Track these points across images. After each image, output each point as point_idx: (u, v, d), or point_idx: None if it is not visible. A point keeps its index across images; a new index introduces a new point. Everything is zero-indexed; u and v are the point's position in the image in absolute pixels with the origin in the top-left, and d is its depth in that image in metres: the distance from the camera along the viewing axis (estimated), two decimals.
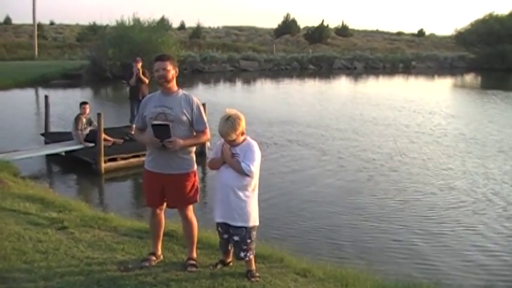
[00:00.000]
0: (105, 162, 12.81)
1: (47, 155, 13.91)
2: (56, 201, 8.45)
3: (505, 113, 25.46)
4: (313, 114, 23.04)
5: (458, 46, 67.97)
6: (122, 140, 14.49)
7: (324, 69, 53.11)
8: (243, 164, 5.11)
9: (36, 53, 47.71)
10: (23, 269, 5.29)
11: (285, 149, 15.84)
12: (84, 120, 13.88)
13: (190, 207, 5.65)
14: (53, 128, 15.95)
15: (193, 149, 5.62)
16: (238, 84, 40.20)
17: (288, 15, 75.86)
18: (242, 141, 5.25)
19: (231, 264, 5.70)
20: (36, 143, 15.34)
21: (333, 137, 17.92)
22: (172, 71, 5.48)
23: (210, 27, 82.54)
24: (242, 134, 5.21)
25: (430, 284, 6.20)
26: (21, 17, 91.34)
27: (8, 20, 77.02)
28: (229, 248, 5.55)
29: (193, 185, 5.55)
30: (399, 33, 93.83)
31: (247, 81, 41.49)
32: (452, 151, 16.00)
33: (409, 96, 30.44)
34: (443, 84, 44.34)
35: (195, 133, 5.50)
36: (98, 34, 47.07)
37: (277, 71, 49.90)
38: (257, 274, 5.47)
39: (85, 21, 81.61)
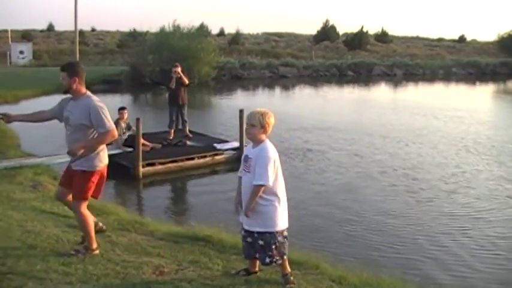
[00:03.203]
0: (143, 167, 12.91)
1: None
2: (94, 205, 8.49)
3: None
4: (353, 122, 22.83)
5: (501, 52, 66.84)
6: (160, 145, 14.61)
7: (363, 75, 52.76)
8: (253, 184, 5.11)
9: (78, 59, 48.40)
10: (60, 271, 5.35)
11: (322, 156, 15.72)
12: (122, 125, 14.02)
13: (81, 202, 5.81)
14: None
15: (97, 149, 5.83)
16: (277, 90, 40.19)
17: (327, 21, 75.64)
18: (260, 142, 5.24)
19: (257, 273, 5.63)
20: None
21: (372, 144, 17.69)
22: (68, 80, 5.77)
23: (249, 34, 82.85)
24: (263, 129, 5.20)
25: None
26: (64, 24, 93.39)
27: (51, 27, 78.64)
28: (256, 255, 5.45)
29: (86, 183, 5.76)
30: (440, 39, 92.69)
31: (285, 87, 41.46)
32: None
33: (450, 104, 29.88)
34: (485, 91, 43.63)
35: (97, 135, 5.70)
36: (137, 40, 47.58)
37: (316, 77, 49.75)
38: (292, 279, 5.43)
39: (125, 27, 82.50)
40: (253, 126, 5.20)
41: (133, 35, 56.38)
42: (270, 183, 5.08)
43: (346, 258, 7.81)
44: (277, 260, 5.30)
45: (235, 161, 14.55)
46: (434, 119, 23.59)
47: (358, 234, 9.35)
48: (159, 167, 13.36)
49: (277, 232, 5.24)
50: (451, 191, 12.14)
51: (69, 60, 45.24)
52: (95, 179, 5.85)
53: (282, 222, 5.28)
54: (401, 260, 8.23)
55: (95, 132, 5.70)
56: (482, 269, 8.01)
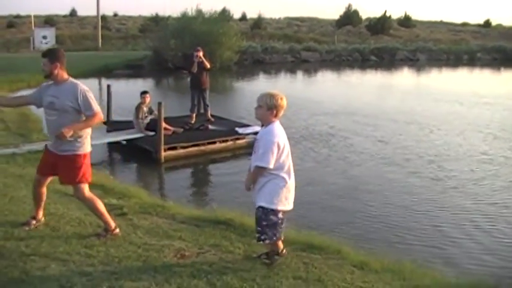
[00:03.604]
0: (165, 150, 12.93)
1: (109, 143, 14.16)
2: (115, 188, 8.62)
3: None
4: (377, 107, 22.60)
5: None
6: (182, 129, 14.62)
7: (386, 60, 52.28)
8: (254, 164, 5.22)
9: (100, 44, 48.73)
10: (83, 253, 5.41)
11: (346, 141, 15.61)
12: (144, 109, 14.05)
13: (82, 186, 5.84)
14: (114, 117, 16.22)
15: (85, 132, 5.84)
16: (299, 74, 40.01)
17: (349, 6, 75.02)
18: (268, 124, 5.27)
19: (284, 252, 5.63)
20: (98, 131, 15.59)
21: (396, 130, 17.51)
22: (50, 66, 5.72)
23: (271, 18, 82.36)
24: (270, 111, 5.21)
25: (491, 283, 6.01)
26: (86, 9, 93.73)
27: (73, 12, 78.84)
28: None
29: (81, 166, 5.78)
30: (464, 24, 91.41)
31: (308, 71, 41.26)
32: None
33: (475, 90, 29.49)
34: (510, 77, 43.06)
35: (84, 118, 5.73)
36: (160, 25, 47.60)
37: (339, 62, 49.44)
38: (273, 259, 5.48)
39: (147, 12, 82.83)
40: (260, 107, 5.25)
41: (156, 19, 56.43)
42: (271, 166, 5.11)
43: (368, 243, 7.74)
44: (265, 239, 5.29)
45: None
46: (459, 105, 23.27)
47: (380, 220, 9.26)
48: (180, 151, 13.39)
49: (271, 210, 5.22)
50: (478, 179, 11.93)
51: (91, 45, 45.64)
52: (88, 160, 5.93)
53: (280, 202, 5.25)
54: (423, 247, 8.13)
55: (82, 115, 5.72)
56: (506, 258, 7.92)
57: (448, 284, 5.91)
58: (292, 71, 41.63)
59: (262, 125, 5.39)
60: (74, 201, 6.56)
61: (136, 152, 13.59)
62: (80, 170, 5.77)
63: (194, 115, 15.86)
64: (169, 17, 47.10)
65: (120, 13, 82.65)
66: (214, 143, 14.01)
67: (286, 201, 5.30)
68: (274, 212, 5.24)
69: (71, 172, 5.77)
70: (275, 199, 5.23)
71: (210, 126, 15.44)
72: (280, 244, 5.53)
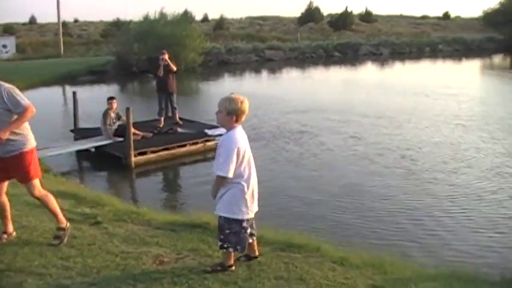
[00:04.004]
0: (135, 156, 12.83)
1: (77, 151, 13.97)
2: (88, 197, 8.46)
3: None
4: (344, 103, 22.74)
5: (486, 28, 66.86)
6: (151, 134, 14.51)
7: (350, 55, 52.57)
8: (215, 173, 5.06)
9: (62, 51, 48.08)
10: (59, 265, 5.28)
11: (317, 139, 15.66)
12: (112, 115, 13.91)
13: (34, 183, 5.78)
14: (81, 124, 16.02)
15: (25, 129, 5.72)
16: (264, 73, 40.03)
17: (311, 3, 75.31)
18: (229, 129, 5.08)
19: (258, 258, 5.57)
20: (66, 140, 15.42)
21: (366, 125, 17.61)
22: None
23: (233, 19, 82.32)
24: (230, 116, 5.00)
25: (470, 272, 6.05)
26: (46, 16, 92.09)
27: (33, 20, 77.71)
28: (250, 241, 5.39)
29: (30, 163, 5.72)
30: (424, 17, 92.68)
31: (272, 70, 41.30)
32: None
33: (439, 81, 29.86)
34: (472, 67, 43.72)
35: (16, 116, 5.58)
36: (122, 30, 47.18)
37: (303, 59, 49.55)
38: (231, 268, 5.30)
39: (109, 17, 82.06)
40: (220, 112, 5.05)
41: (117, 24, 55.94)
42: (230, 175, 4.93)
43: (346, 239, 7.79)
44: (228, 247, 5.19)
45: None
46: (425, 98, 23.56)
47: (356, 216, 9.36)
48: (151, 156, 13.29)
49: (233, 219, 5.12)
50: (451, 170, 12.13)
51: (53, 52, 44.94)
52: (35, 156, 5.86)
53: (240, 211, 5.12)
54: (401, 240, 8.25)
55: (13, 114, 5.57)
56: (482, 248, 8.02)
57: (428, 275, 5.93)
58: (257, 70, 41.63)
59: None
60: (46, 213, 6.42)
61: (106, 159, 13.44)
62: (30, 167, 5.70)
63: (162, 119, 15.75)
64: (131, 21, 46.71)
65: (81, 19, 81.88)
66: (184, 146, 13.93)
67: (247, 210, 5.14)
68: (236, 221, 5.14)
69: (23, 171, 5.69)
70: (235, 209, 5.10)
71: (179, 130, 15.34)
72: (232, 258, 5.34)
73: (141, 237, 6.32)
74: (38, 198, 5.89)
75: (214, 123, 16.04)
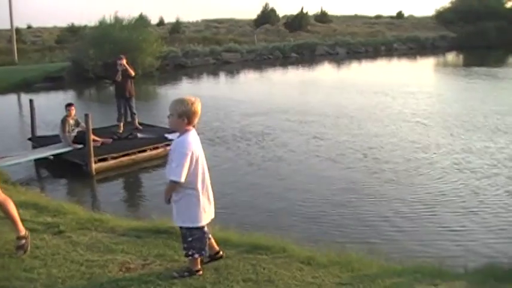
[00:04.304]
0: (95, 162, 12.67)
1: (36, 160, 13.73)
2: (49, 206, 8.31)
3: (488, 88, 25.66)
4: (303, 104, 22.88)
5: (439, 26, 68.13)
6: (111, 140, 14.35)
7: (306, 56, 52.92)
8: (168, 178, 4.96)
9: (16, 57, 47.22)
10: (23, 277, 5.18)
11: (278, 140, 15.72)
12: (71, 122, 13.71)
13: None
14: (39, 132, 15.75)
15: None
16: (222, 76, 39.98)
17: (266, 5, 75.36)
18: (182, 133, 4.99)
19: (221, 254, 5.60)
20: (24, 148, 15.15)
21: (326, 125, 17.71)
22: None
23: (189, 22, 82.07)
24: (181, 118, 4.91)
25: (435, 266, 6.14)
26: None
27: None
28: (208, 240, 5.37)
29: None
30: (378, 17, 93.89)
31: (230, 73, 41.28)
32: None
33: (396, 80, 30.32)
34: (426, 65, 44.48)
35: None
36: (77, 35, 46.63)
37: (260, 61, 49.67)
38: (199, 273, 5.27)
39: (63, 23, 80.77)
40: (171, 115, 4.97)
41: (72, 29, 55.22)
42: (182, 179, 4.84)
43: (310, 240, 7.83)
44: (193, 254, 5.16)
45: None
46: (384, 96, 23.84)
47: (321, 216, 9.46)
48: (111, 162, 13.14)
49: (194, 228, 5.10)
50: (413, 168, 12.34)
51: (6, 59, 44.09)
52: None
53: (198, 218, 5.08)
54: (365, 238, 8.35)
55: None
56: (446, 241, 8.17)
57: (394, 270, 5.99)
58: (214, 73, 41.56)
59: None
60: (6, 223, 6.29)
61: (65, 167, 13.24)
62: None
63: (122, 124, 15.61)
64: (86, 26, 46.16)
65: (35, 25, 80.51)
66: (144, 151, 13.82)
67: (205, 215, 5.11)
68: (197, 228, 5.11)
69: None
70: (194, 217, 5.06)
71: (139, 135, 15.21)
72: (199, 262, 5.31)
73: (106, 244, 6.24)
74: None
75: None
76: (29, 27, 78.34)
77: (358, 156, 13.46)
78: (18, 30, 57.06)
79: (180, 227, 5.17)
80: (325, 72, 41.36)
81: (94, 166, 12.59)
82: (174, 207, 5.12)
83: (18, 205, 7.18)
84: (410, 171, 12.03)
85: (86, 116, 12.63)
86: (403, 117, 18.54)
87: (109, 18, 38.24)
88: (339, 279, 5.38)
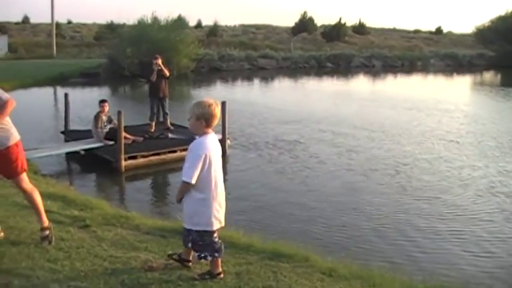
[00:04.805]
0: (125, 160, 12.77)
1: (67, 153, 13.91)
2: (77, 200, 8.41)
3: None
4: (336, 114, 22.72)
5: (477, 44, 67.34)
6: (142, 138, 14.47)
7: (342, 67, 52.82)
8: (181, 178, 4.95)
9: (55, 51, 47.97)
10: (47, 268, 5.23)
11: (303, 148, 15.69)
12: (103, 118, 13.86)
13: (22, 177, 5.77)
14: (72, 126, 15.96)
15: (6, 124, 5.66)
16: (256, 82, 40.10)
17: (305, 13, 75.69)
18: (200, 135, 4.96)
19: (190, 264, 5.46)
20: (56, 141, 15.35)
21: (360, 138, 17.50)
22: None
23: (226, 26, 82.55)
24: (199, 121, 4.88)
25: (459, 285, 6.06)
26: (39, 16, 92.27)
27: (26, 20, 77.58)
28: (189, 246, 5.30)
29: (17, 157, 5.69)
30: (416, 31, 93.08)
31: (265, 79, 41.38)
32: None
33: (431, 96, 29.84)
34: (462, 83, 43.96)
35: None
36: (115, 33, 47.20)
37: (295, 69, 49.71)
38: (220, 276, 5.23)
39: (102, 20, 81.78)
40: (190, 118, 4.94)
41: (111, 27, 55.94)
42: (193, 181, 4.82)
43: (333, 251, 7.76)
44: (206, 256, 5.13)
45: None
46: (418, 113, 23.47)
47: (347, 230, 9.33)
48: (141, 160, 13.24)
49: (205, 231, 5.06)
50: (445, 189, 11.95)
51: (45, 53, 44.83)
52: (21, 148, 5.81)
53: (211, 222, 5.03)
54: (389, 255, 8.24)
55: None
56: (470, 267, 8.01)
57: None
58: (249, 78, 41.71)
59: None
60: (34, 213, 6.38)
61: (95, 162, 13.38)
62: (17, 161, 5.67)
63: (154, 124, 15.71)
64: (124, 24, 46.72)
65: (74, 20, 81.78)
66: (174, 151, 13.87)
67: (216, 220, 5.05)
68: (207, 232, 5.07)
69: (11, 165, 5.65)
70: (204, 221, 5.02)
71: (170, 135, 15.30)
72: (219, 264, 5.28)
73: (130, 242, 6.29)
74: (25, 192, 5.82)
75: None
76: (69, 22, 79.55)
77: (390, 172, 13.18)
78: (58, 25, 58.10)
79: (189, 230, 5.12)
80: (360, 84, 41.17)
81: (124, 163, 12.70)
82: (184, 209, 5.11)
83: (47, 197, 7.33)
84: (443, 192, 11.69)
85: (119, 113, 12.76)
86: (437, 135, 18.16)
87: (148, 17, 38.66)
88: None
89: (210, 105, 4.88)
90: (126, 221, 7.23)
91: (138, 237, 6.51)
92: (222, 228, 5.20)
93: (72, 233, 6.37)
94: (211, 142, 4.96)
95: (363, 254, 8.03)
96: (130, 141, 13.72)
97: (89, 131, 14.28)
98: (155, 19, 38.57)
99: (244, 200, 10.72)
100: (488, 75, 51.05)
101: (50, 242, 5.81)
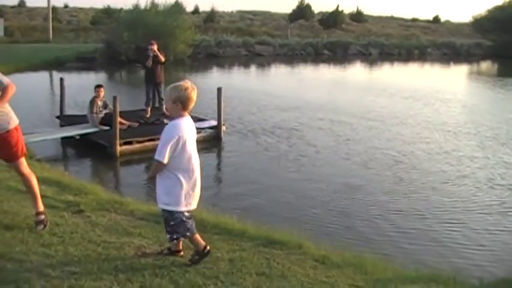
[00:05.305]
0: (120, 145, 12.77)
1: (62, 138, 13.89)
2: (71, 184, 8.41)
3: None
4: (333, 102, 22.69)
5: (475, 33, 67.18)
6: (137, 124, 14.46)
7: (339, 54, 52.74)
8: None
9: (51, 36, 47.74)
10: (41, 253, 5.24)
11: (298, 135, 15.70)
12: (99, 103, 13.83)
13: (21, 161, 5.83)
14: (68, 111, 15.93)
15: (6, 108, 5.67)
16: (253, 68, 40.04)
17: (302, 0, 75.37)
18: (176, 118, 5.05)
19: (208, 249, 5.40)
20: (51, 126, 15.32)
21: (352, 125, 17.56)
22: None
23: (224, 12, 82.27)
24: (175, 104, 4.96)
25: (450, 274, 6.08)
26: (36, 0, 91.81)
27: (22, 3, 77.23)
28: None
29: (17, 140, 5.73)
30: (414, 20, 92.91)
31: (261, 65, 41.31)
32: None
33: (428, 85, 29.66)
34: (460, 72, 43.93)
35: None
36: (112, 17, 46.99)
37: (292, 55, 49.61)
38: (207, 249, 5.28)
39: (99, 4, 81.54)
40: (167, 101, 5.10)
41: (108, 12, 55.65)
42: (164, 160, 4.93)
43: (327, 239, 7.78)
44: (178, 237, 5.19)
45: (213, 140, 14.50)
46: (415, 102, 23.39)
47: (341, 217, 9.39)
48: (136, 146, 13.24)
49: (176, 211, 5.09)
50: (444, 180, 11.89)
51: (41, 37, 44.61)
52: (20, 132, 5.84)
53: (179, 202, 5.08)
54: (382, 243, 8.28)
55: None
56: (463, 256, 8.03)
57: (408, 276, 5.97)
58: (246, 64, 41.64)
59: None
60: (28, 198, 6.38)
61: (90, 147, 13.37)
62: (18, 144, 5.70)
63: (149, 109, 15.69)
64: (121, 9, 46.50)
65: (71, 5, 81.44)
66: None
67: (185, 201, 5.09)
68: (178, 212, 5.10)
69: (12, 149, 5.67)
70: (174, 200, 5.07)
71: (166, 121, 15.24)
72: (200, 240, 5.31)
73: (124, 227, 6.30)
74: (24, 176, 5.86)
75: (202, 116, 16.14)
76: (66, 6, 79.21)
77: (388, 162, 13.12)
78: (54, 9, 57.81)
79: (162, 210, 5.20)
80: (356, 72, 41.12)
81: (119, 149, 12.70)
82: (157, 188, 5.18)
83: (41, 181, 7.31)
84: (441, 183, 11.59)
85: (114, 98, 12.73)
86: (435, 125, 18.07)
87: (145, 2, 38.52)
88: (352, 281, 5.37)
89: (186, 89, 4.94)
90: (120, 206, 7.23)
91: (132, 223, 6.52)
92: (192, 210, 5.22)
93: (66, 218, 6.38)
94: (186, 125, 5.06)
95: (355, 242, 8.04)
96: (125, 127, 13.70)
97: (85, 116, 14.26)
98: (152, 4, 38.39)
99: (238, 186, 10.77)
100: (485, 65, 51.04)
101: (44, 226, 5.83)
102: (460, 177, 12.10)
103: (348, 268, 5.70)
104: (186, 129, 5.04)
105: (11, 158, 5.75)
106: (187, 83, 5.00)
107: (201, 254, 5.28)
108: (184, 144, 4.98)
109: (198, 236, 5.29)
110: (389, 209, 9.92)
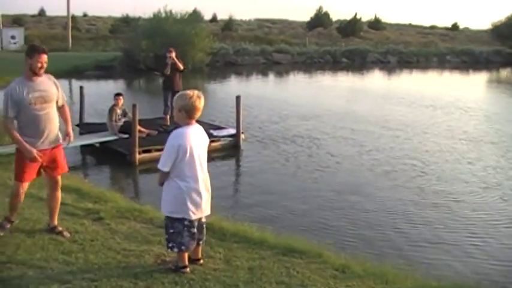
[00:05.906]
0: (139, 153, 12.80)
1: (82, 146, 13.96)
2: (91, 192, 8.45)
3: None
4: (352, 111, 22.44)
5: (494, 40, 66.69)
6: (156, 132, 14.49)
7: (357, 62, 52.52)
8: None
9: (70, 44, 48.15)
10: (61, 260, 5.28)
11: (318, 144, 15.62)
12: (118, 111, 13.89)
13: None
14: (87, 119, 16.02)
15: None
16: (271, 77, 40.02)
17: (320, 8, 75.31)
18: (182, 126, 5.11)
19: (201, 262, 5.47)
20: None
21: (380, 136, 17.27)
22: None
23: (241, 20, 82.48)
24: (181, 113, 5.06)
25: (472, 285, 6.01)
26: (55, 9, 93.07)
27: (42, 12, 78.10)
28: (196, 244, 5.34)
29: (64, 154, 6.06)
30: (432, 27, 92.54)
31: (279, 74, 41.28)
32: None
33: (448, 93, 29.26)
34: (479, 80, 43.53)
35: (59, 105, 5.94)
36: (130, 26, 47.27)
37: (310, 64, 49.50)
38: (184, 270, 5.23)
39: (118, 13, 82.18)
40: (174, 109, 5.17)
41: (126, 20, 55.97)
42: (165, 169, 4.99)
43: (347, 248, 7.72)
44: (173, 247, 5.17)
45: (231, 148, 14.48)
46: (435, 110, 22.95)
47: (360, 226, 9.24)
48: (155, 154, 13.20)
49: (175, 218, 5.11)
50: (466, 190, 11.64)
51: (61, 45, 45.03)
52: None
53: (180, 211, 5.08)
54: (404, 253, 8.15)
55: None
56: (485, 266, 7.89)
57: (430, 286, 5.90)
58: (264, 73, 41.63)
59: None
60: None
61: (110, 155, 13.43)
62: (65, 157, 5.99)
63: (168, 117, 15.70)
64: (139, 17, 46.79)
65: (90, 13, 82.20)
66: None
67: (188, 209, 5.07)
68: (178, 220, 5.11)
69: (63, 161, 5.94)
70: (175, 208, 5.09)
71: None
72: (185, 259, 5.26)
73: (143, 235, 6.32)
74: (59, 189, 6.05)
75: (220, 124, 16.16)
76: (85, 15, 79.94)
77: (409, 173, 12.87)
78: (74, 18, 58.36)
79: (165, 217, 5.25)
80: (375, 80, 40.86)
81: (138, 156, 12.73)
82: (162, 194, 5.23)
83: (61, 189, 7.32)
84: (465, 196, 11.28)
85: (134, 106, 12.78)
86: (457, 134, 17.74)
87: (163, 11, 38.68)
88: None
89: (190, 97, 5.02)
90: (139, 214, 7.26)
91: (152, 231, 6.54)
92: (196, 219, 5.21)
93: (86, 226, 6.42)
94: (192, 133, 5.10)
95: (377, 253, 7.94)
96: (144, 135, 13.75)
97: (104, 124, 14.32)
98: (170, 12, 38.57)
99: (256, 196, 10.71)
100: (505, 73, 50.49)
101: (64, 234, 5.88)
102: (485, 188, 11.81)
103: (368, 278, 5.65)
104: (191, 137, 5.07)
105: (64, 168, 5.96)
106: (192, 92, 5.07)
107: (176, 268, 5.26)
108: (186, 152, 5.00)
109: (186, 255, 5.27)
110: (412, 220, 9.72)
